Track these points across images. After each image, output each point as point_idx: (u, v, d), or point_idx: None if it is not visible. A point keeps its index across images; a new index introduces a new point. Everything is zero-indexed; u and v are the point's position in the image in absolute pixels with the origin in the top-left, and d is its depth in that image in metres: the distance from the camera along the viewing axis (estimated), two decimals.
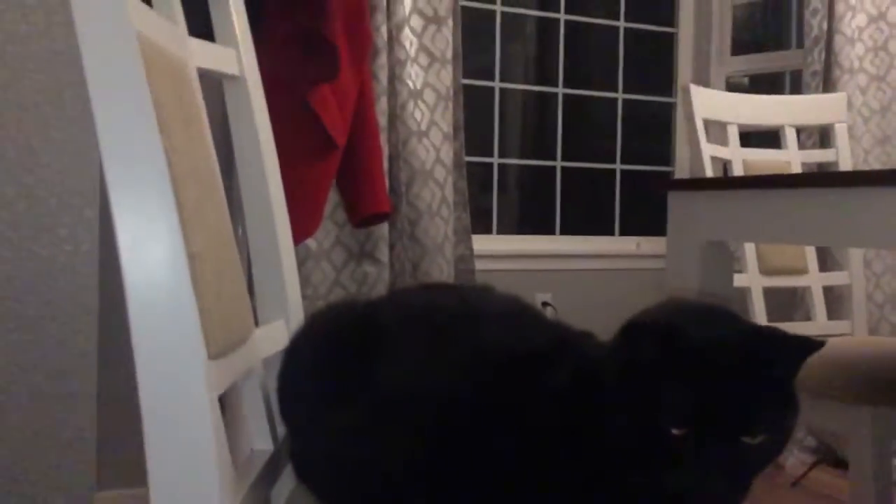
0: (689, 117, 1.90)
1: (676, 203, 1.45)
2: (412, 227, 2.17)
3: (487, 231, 2.91)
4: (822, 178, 1.20)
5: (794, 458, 2.54)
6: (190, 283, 0.69)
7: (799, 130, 2.47)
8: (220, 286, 0.78)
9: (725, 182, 1.46)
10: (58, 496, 1.29)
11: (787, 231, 1.28)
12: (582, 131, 3.19)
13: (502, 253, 2.80)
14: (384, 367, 0.77)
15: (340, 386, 0.79)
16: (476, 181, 2.87)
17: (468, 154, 2.51)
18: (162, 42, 0.79)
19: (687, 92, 1.90)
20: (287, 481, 0.90)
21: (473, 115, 2.83)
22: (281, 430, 0.91)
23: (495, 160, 2.97)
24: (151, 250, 0.65)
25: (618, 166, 3.19)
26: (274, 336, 0.94)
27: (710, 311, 0.66)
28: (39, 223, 1.20)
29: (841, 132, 2.01)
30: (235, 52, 1.00)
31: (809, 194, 1.22)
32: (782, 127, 2.01)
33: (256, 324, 0.95)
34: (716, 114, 1.94)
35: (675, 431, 0.59)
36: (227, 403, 0.94)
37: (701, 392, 0.59)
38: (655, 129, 3.30)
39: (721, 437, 0.58)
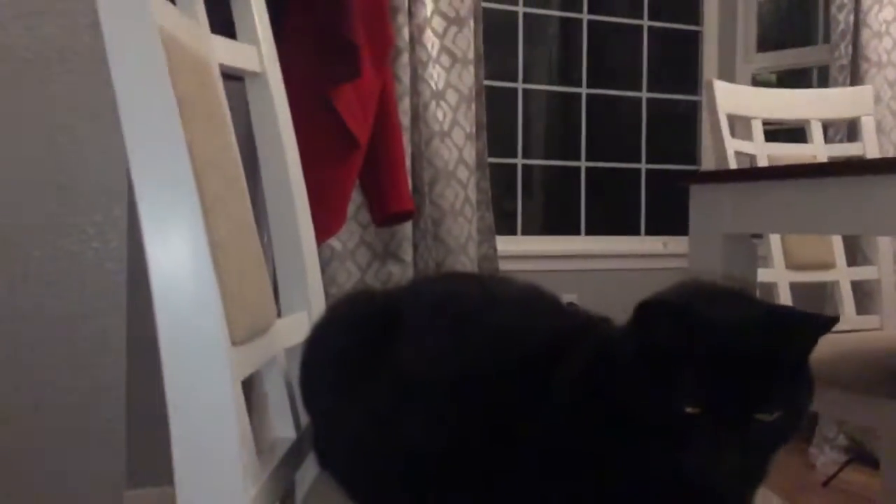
0: (713, 112, 1.89)
1: (698, 197, 1.45)
2: (436, 227, 2.18)
3: (512, 233, 2.91)
4: (843, 166, 1.19)
5: (825, 457, 2.51)
6: (213, 269, 0.70)
7: (827, 127, 2.44)
8: (243, 274, 0.80)
9: (747, 173, 1.45)
10: (89, 494, 1.32)
11: (810, 221, 1.27)
12: (607, 131, 3.18)
13: (527, 253, 2.80)
14: (404, 353, 0.78)
15: (360, 372, 0.80)
16: (501, 184, 2.88)
17: (492, 156, 2.52)
18: (184, 38, 0.81)
19: (710, 87, 1.89)
20: (311, 468, 0.91)
21: (497, 116, 2.84)
22: (304, 419, 0.93)
23: (519, 161, 2.98)
24: (174, 237, 0.67)
25: (643, 165, 3.18)
26: (296, 327, 0.96)
27: (724, 291, 0.66)
28: (68, 221, 1.23)
29: (867, 125, 1.99)
30: (257, 50, 1.02)
31: (831, 183, 1.21)
32: (808, 121, 1.99)
33: (279, 315, 0.97)
34: (740, 109, 1.93)
35: (689, 410, 0.60)
36: (252, 393, 0.95)
37: (714, 370, 0.59)
38: (681, 128, 3.29)
39: (735, 416, 0.58)
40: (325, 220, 1.68)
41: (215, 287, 0.68)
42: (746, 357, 0.59)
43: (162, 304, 0.66)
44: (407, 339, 0.79)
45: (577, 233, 3.07)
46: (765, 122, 1.97)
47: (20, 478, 1.26)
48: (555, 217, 3.21)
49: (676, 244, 2.99)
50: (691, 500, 0.64)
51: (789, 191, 1.27)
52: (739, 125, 2.03)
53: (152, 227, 0.67)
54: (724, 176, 1.41)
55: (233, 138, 0.90)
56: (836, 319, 0.61)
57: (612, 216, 3.18)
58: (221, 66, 0.94)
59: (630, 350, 0.64)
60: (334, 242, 2.09)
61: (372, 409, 0.77)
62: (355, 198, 2.07)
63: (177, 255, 0.67)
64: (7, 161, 1.22)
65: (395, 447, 0.75)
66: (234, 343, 0.76)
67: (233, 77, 1.05)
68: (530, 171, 3.09)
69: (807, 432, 2.63)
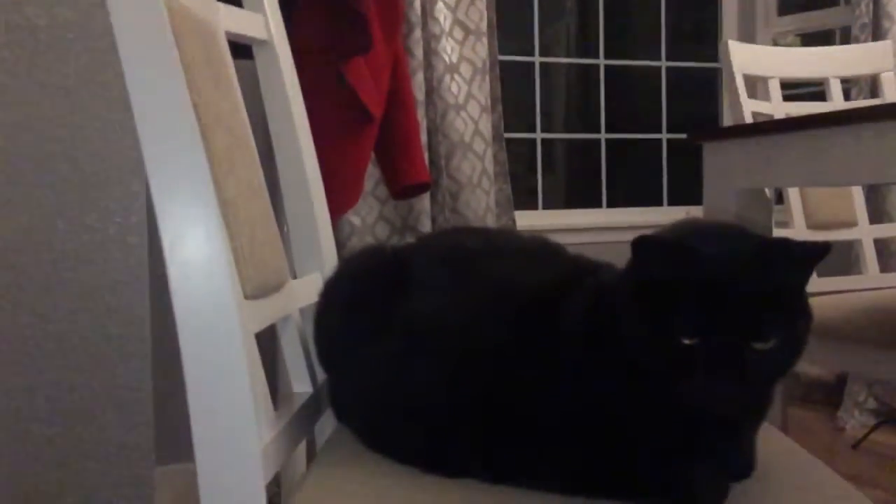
0: (728, 73, 1.87)
1: (711, 155, 1.45)
2: (453, 200, 2.19)
3: (534, 208, 2.92)
4: (849, 115, 1.18)
5: (855, 421, 2.49)
6: (221, 224, 0.73)
7: (849, 86, 2.41)
8: (253, 232, 0.82)
9: (757, 127, 1.45)
10: (120, 469, 1.35)
11: (822, 173, 1.26)
12: (627, 102, 3.17)
13: (549, 227, 2.80)
14: (413, 304, 0.79)
15: (371, 323, 0.82)
16: (522, 160, 2.88)
17: (511, 131, 2.52)
18: (189, 5, 0.83)
19: (725, 47, 1.87)
20: (329, 421, 0.93)
21: (516, 91, 2.84)
22: (322, 375, 0.95)
23: (538, 135, 2.97)
24: (183, 194, 0.68)
25: (664, 136, 3.16)
26: (310, 287, 0.98)
27: (720, 228, 0.67)
28: (89, 197, 1.26)
29: (888, 81, 1.96)
30: (263, 18, 1.04)
31: (841, 133, 1.20)
32: (826, 79, 1.97)
33: (294, 277, 0.99)
34: (756, 68, 1.91)
35: (685, 341, 0.60)
36: (277, 353, 0.97)
37: (708, 301, 0.60)
38: (702, 97, 3.26)
39: (731, 345, 0.59)
40: (342, 194, 1.70)
41: (225, 243, 0.70)
42: (739, 286, 0.60)
43: (173, 261, 0.68)
44: (416, 290, 0.81)
45: (599, 205, 3.06)
46: (786, 85, 1.95)
47: (45, 451, 1.30)
48: (576, 191, 3.20)
49: (699, 213, 2.97)
50: (695, 433, 0.65)
51: (800, 143, 1.26)
52: (761, 88, 2.01)
53: (161, 185, 0.68)
54: (734, 132, 1.40)
55: (240, 102, 0.92)
56: (828, 247, 0.62)
57: (635, 188, 3.16)
58: (229, 33, 0.96)
59: (628, 286, 0.65)
60: (353, 218, 2.11)
61: (382, 360, 0.79)
62: (373, 173, 2.09)
63: (186, 211, 0.69)
64: (27, 140, 1.26)
65: (406, 395, 0.77)
66: (246, 297, 0.78)
67: (245, 56, 1.07)
68: (551, 147, 3.08)
69: (835, 396, 2.61)
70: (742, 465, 0.69)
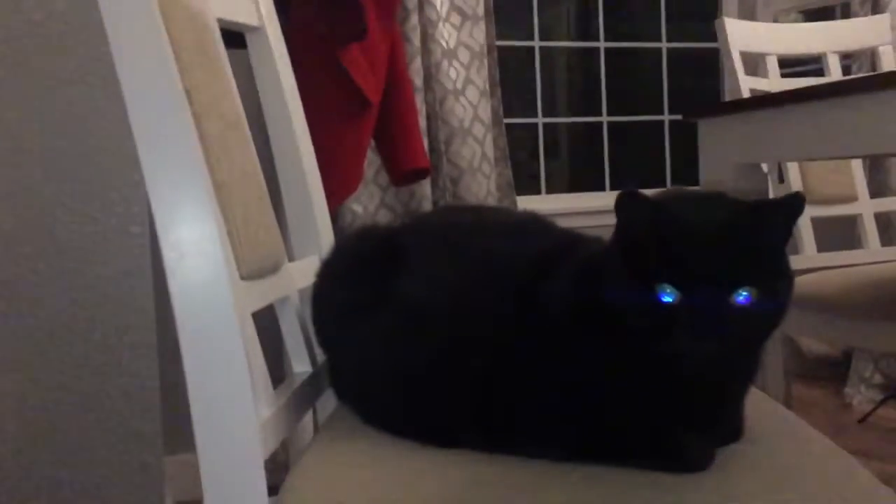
0: (725, 50, 1.87)
1: (706, 132, 1.45)
2: (454, 185, 2.20)
3: (537, 192, 2.92)
4: (844, 85, 1.18)
5: (861, 397, 2.49)
6: (214, 204, 0.74)
7: (849, 62, 2.40)
8: (247, 214, 0.83)
9: (751, 102, 1.45)
10: (130, 458, 1.37)
11: (817, 145, 1.27)
12: (628, 84, 3.16)
13: (553, 212, 2.78)
14: (406, 280, 0.81)
15: (366, 302, 0.83)
16: (525, 146, 2.88)
17: (513, 116, 2.52)
18: None
19: (721, 24, 1.87)
20: (331, 400, 0.95)
21: (517, 77, 2.84)
22: (322, 357, 0.96)
23: (540, 120, 2.98)
24: (174, 175, 0.70)
25: (666, 117, 3.15)
26: (307, 269, 0.99)
27: (704, 194, 0.68)
28: (91, 188, 1.28)
29: (886, 54, 1.96)
30: (254, 4, 1.05)
31: (835, 104, 1.20)
32: (824, 54, 1.96)
33: (293, 260, 1.01)
34: (753, 45, 1.91)
35: (666, 299, 0.62)
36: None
37: (687, 256, 0.61)
38: (704, 77, 3.25)
39: (711, 301, 0.60)
40: (342, 181, 1.71)
41: (216, 220, 0.71)
42: (717, 243, 0.61)
43: (166, 239, 0.69)
44: (409, 267, 0.82)
45: (602, 189, 3.06)
46: (788, 64, 1.95)
47: (53, 439, 1.33)
48: (580, 175, 3.20)
49: None
50: (683, 398, 0.66)
51: (797, 117, 1.27)
52: (762, 66, 2.00)
53: (152, 167, 0.69)
54: (729, 107, 1.41)
55: (233, 88, 0.94)
56: (801, 198, 0.63)
57: (638, 169, 3.16)
58: (220, 20, 0.97)
59: (613, 248, 0.66)
60: (355, 206, 2.12)
61: (377, 337, 0.81)
62: (374, 160, 2.10)
63: (177, 192, 0.70)
64: (28, 133, 1.27)
65: (400, 370, 0.78)
66: (242, 277, 0.79)
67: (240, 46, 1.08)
68: (555, 131, 3.08)
69: (842, 373, 2.62)
70: (730, 430, 0.70)
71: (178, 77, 0.74)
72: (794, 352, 2.72)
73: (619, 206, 0.64)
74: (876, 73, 1.92)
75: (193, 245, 0.69)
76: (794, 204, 0.63)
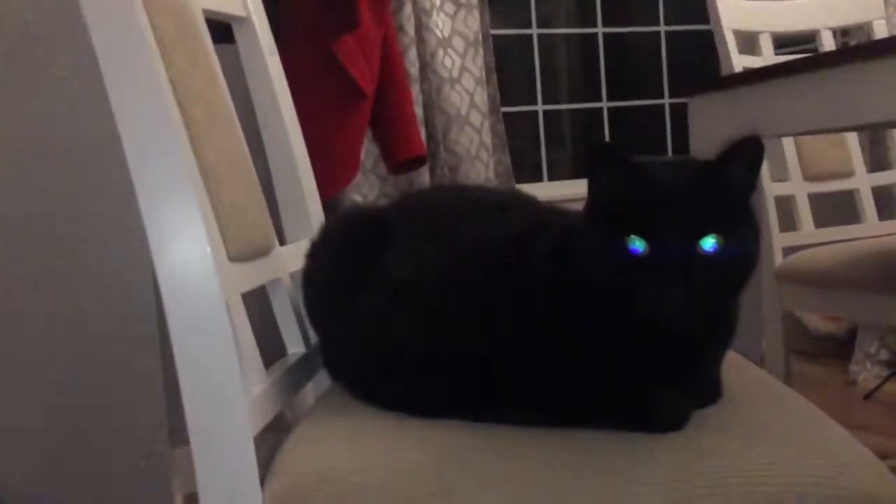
0: (718, 30, 1.88)
1: (696, 110, 1.46)
2: (453, 173, 2.22)
3: (539, 180, 2.93)
4: (835, 56, 1.19)
5: (867, 373, 2.49)
6: (200, 186, 0.76)
7: (847, 39, 2.39)
8: (234, 197, 0.85)
9: (742, 77, 1.45)
10: (133, 447, 1.39)
11: (807, 118, 1.27)
12: (628, 69, 3.16)
13: (554, 198, 2.80)
14: (392, 259, 0.83)
15: (354, 280, 0.85)
16: (527, 136, 2.89)
17: (512, 105, 2.53)
18: None
19: (713, 3, 1.87)
20: (325, 379, 0.97)
21: (517, 65, 2.85)
22: (315, 338, 0.98)
23: (539, 107, 2.98)
24: (157, 157, 0.71)
25: (666, 101, 3.15)
26: (299, 253, 1.01)
27: (673, 158, 0.70)
28: (89, 181, 1.30)
29: (880, 29, 1.95)
30: None
31: (826, 76, 1.20)
32: (818, 31, 1.96)
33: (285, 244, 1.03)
34: (745, 23, 1.91)
35: (635, 250, 0.63)
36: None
37: (654, 207, 0.63)
38: (703, 59, 3.24)
39: (677, 247, 0.62)
40: (338, 171, 1.73)
41: (200, 200, 0.73)
42: (683, 193, 0.63)
43: (152, 226, 0.71)
44: (395, 246, 0.84)
45: None
46: (783, 44, 1.95)
47: (60, 433, 1.35)
48: (581, 161, 3.21)
49: None
50: (659, 361, 0.68)
51: (781, 91, 1.27)
52: (757, 44, 2.00)
53: (135, 151, 0.71)
54: (718, 84, 1.41)
55: (219, 77, 0.95)
56: (759, 141, 0.64)
57: (640, 153, 3.16)
58: (206, 11, 0.99)
59: (586, 210, 0.68)
60: (355, 196, 2.14)
61: (366, 314, 0.82)
62: (373, 150, 2.12)
63: (164, 178, 0.72)
64: (25, 129, 1.30)
65: (387, 346, 0.80)
66: (231, 259, 0.81)
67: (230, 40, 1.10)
68: (558, 120, 3.08)
69: (847, 351, 2.62)
70: (707, 391, 0.72)
71: (159, 61, 0.76)
72: (801, 331, 2.72)
73: (590, 159, 0.66)
74: (859, 43, 1.92)
75: (178, 226, 0.71)
76: (753, 147, 0.65)
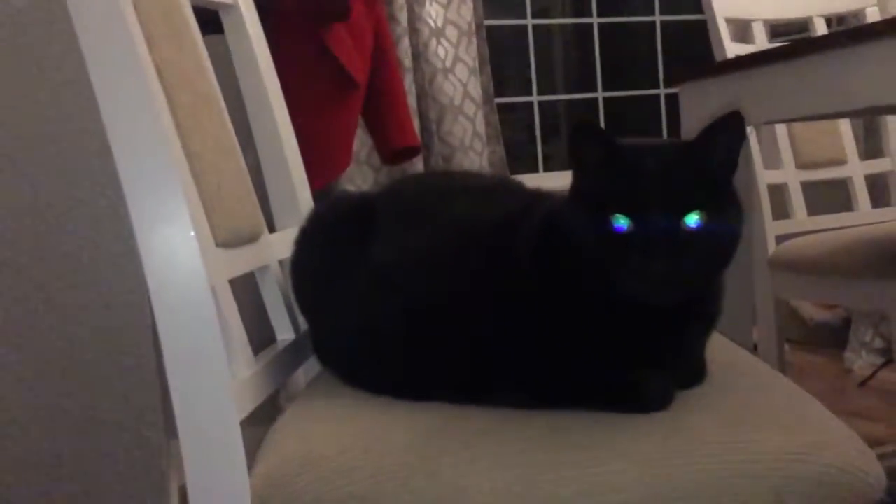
0: (710, 17, 1.88)
1: (687, 97, 1.46)
2: (446, 163, 2.22)
3: (535, 171, 2.93)
4: (829, 40, 1.19)
5: (862, 361, 2.50)
6: (185, 171, 0.76)
7: (839, 27, 2.39)
8: (221, 183, 0.85)
9: (729, 65, 1.45)
10: (129, 438, 1.39)
11: (797, 104, 1.27)
12: (623, 60, 3.16)
13: (551, 189, 2.81)
14: (379, 244, 0.83)
15: (342, 266, 0.85)
16: (524, 127, 2.89)
17: (507, 96, 2.53)
18: None
19: None
20: (315, 366, 0.97)
21: (514, 56, 2.84)
22: (305, 325, 0.99)
23: (535, 98, 2.98)
24: (141, 142, 0.71)
25: (661, 91, 3.15)
26: (288, 240, 1.01)
27: (656, 139, 0.70)
28: (79, 171, 1.30)
29: (873, 17, 1.95)
30: None
31: (818, 61, 1.20)
32: (810, 18, 1.96)
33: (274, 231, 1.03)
34: (738, 11, 1.91)
35: (619, 227, 0.63)
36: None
37: (637, 184, 0.63)
38: (698, 49, 3.24)
39: (660, 224, 0.62)
40: (331, 161, 1.73)
41: (184, 184, 0.73)
42: (666, 171, 0.64)
43: (134, 203, 0.71)
44: (382, 232, 0.84)
45: None
46: (779, 33, 1.94)
47: (56, 423, 1.35)
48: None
49: None
50: (643, 342, 0.68)
51: (771, 78, 1.27)
52: (750, 32, 2.00)
53: (118, 134, 0.71)
54: (708, 71, 1.41)
55: (206, 63, 0.95)
56: (740, 116, 0.64)
57: None
58: None
59: (571, 190, 0.68)
60: (349, 186, 2.14)
61: (353, 300, 0.83)
62: (366, 141, 2.12)
63: (144, 160, 0.71)
64: (13, 119, 1.30)
65: (374, 330, 0.80)
66: (217, 244, 0.81)
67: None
68: (555, 112, 3.08)
69: (842, 339, 2.62)
70: (691, 373, 0.72)
71: (143, 44, 0.76)
72: (796, 320, 2.73)
73: (573, 139, 0.66)
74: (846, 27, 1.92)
75: (163, 211, 0.71)
76: (733, 122, 0.65)
